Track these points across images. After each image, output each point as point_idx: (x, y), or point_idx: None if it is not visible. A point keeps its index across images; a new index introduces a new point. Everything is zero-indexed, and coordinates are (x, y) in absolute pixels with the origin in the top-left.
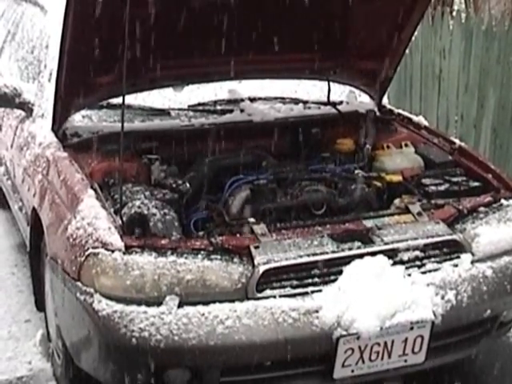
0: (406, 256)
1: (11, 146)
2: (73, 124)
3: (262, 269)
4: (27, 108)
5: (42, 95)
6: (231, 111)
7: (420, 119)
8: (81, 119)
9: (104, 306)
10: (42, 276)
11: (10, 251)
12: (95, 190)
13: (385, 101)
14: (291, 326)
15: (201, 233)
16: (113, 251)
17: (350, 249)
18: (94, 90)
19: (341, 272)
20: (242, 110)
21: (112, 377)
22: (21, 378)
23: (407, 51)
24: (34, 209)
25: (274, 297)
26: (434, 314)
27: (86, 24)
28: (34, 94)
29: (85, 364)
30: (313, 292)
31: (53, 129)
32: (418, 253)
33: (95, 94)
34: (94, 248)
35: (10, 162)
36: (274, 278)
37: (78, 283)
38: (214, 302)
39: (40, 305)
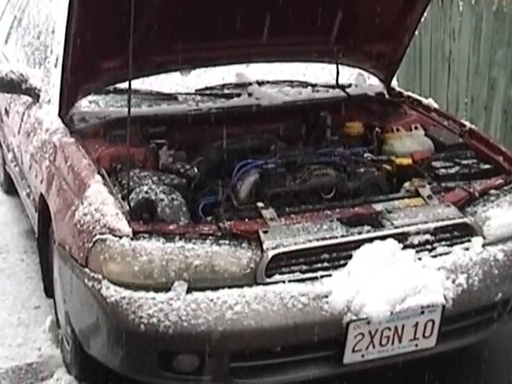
0: (416, 240)
1: (18, 132)
2: (79, 109)
3: (270, 253)
4: (34, 94)
5: (49, 81)
6: (239, 95)
7: (430, 101)
8: (88, 104)
9: (112, 292)
10: (51, 262)
11: (19, 238)
12: (102, 176)
13: (394, 83)
14: (301, 311)
15: (209, 218)
16: (120, 237)
17: (360, 233)
18: (100, 75)
19: (350, 256)
20: (249, 94)
21: (121, 363)
22: (30, 364)
23: (416, 33)
24: (41, 195)
25: (284, 282)
26: (445, 298)
27: (91, 8)
28: (40, 79)
29: (94, 350)
30: (322, 277)
31: (59, 114)
32: (428, 236)
33: (102, 79)
34: (101, 234)
35: (17, 148)
36: (283, 263)
37: (86, 269)
38: (222, 287)
39: (49, 291)
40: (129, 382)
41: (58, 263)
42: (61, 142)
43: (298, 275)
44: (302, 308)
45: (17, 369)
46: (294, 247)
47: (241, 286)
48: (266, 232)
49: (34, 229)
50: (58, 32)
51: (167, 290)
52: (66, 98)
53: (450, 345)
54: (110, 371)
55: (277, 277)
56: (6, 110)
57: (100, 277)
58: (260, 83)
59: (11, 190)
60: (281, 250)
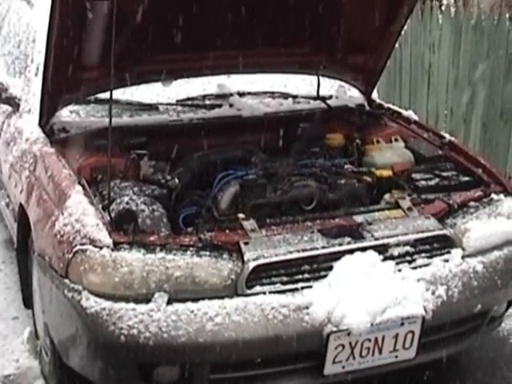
0: (396, 251)
1: None
2: (60, 119)
3: (251, 265)
4: (14, 103)
5: (29, 90)
6: (220, 106)
7: (410, 114)
8: (68, 114)
9: (92, 303)
10: (30, 273)
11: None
12: (83, 186)
13: (374, 95)
14: (281, 322)
15: (190, 229)
16: (101, 248)
17: (340, 244)
18: (81, 84)
19: (331, 268)
20: (231, 105)
21: (100, 375)
22: (8, 376)
23: (396, 45)
24: (21, 205)
25: (264, 293)
26: (425, 310)
27: (72, 18)
28: (20, 88)
29: (73, 362)
30: (303, 288)
31: (40, 124)
32: (408, 248)
33: (83, 89)
34: (81, 245)
35: None
36: (263, 274)
37: (66, 280)
38: (203, 298)
39: (28, 302)
40: None
41: (37, 274)
42: (41, 151)
43: (279, 286)
44: (282, 319)
45: None
46: (274, 258)
47: (221, 298)
48: (246, 243)
49: (12, 239)
50: (39, 41)
51: (148, 301)
52: (47, 108)
53: (430, 356)
54: (89, 383)
55: (257, 288)
56: None
57: (80, 288)
58: (241, 94)
59: None
60: (261, 261)
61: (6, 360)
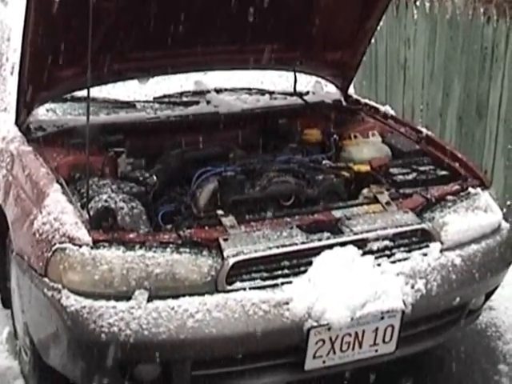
0: (375, 246)
1: None
2: (37, 118)
3: (231, 261)
4: None
5: (5, 89)
6: (197, 103)
7: (386, 108)
8: (45, 113)
9: (72, 301)
10: (8, 273)
11: None
12: (61, 185)
13: (351, 91)
14: (262, 318)
15: (169, 226)
16: (80, 246)
17: (320, 239)
18: (57, 82)
19: (310, 263)
20: (208, 102)
21: (81, 373)
22: None
23: (372, 41)
24: None
25: (244, 289)
26: (404, 304)
27: (48, 15)
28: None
29: (53, 361)
30: (283, 284)
31: (16, 123)
32: (387, 242)
33: (59, 87)
34: (60, 243)
35: None
36: (243, 271)
37: (45, 279)
38: (183, 295)
39: (6, 302)
40: None
41: (16, 273)
42: (18, 150)
43: (259, 282)
44: (262, 315)
45: None
46: (254, 254)
47: (202, 294)
48: (226, 240)
49: None
50: (14, 39)
51: (128, 298)
52: (23, 106)
53: (410, 349)
54: (71, 382)
55: (237, 284)
56: None
57: (60, 286)
58: (218, 91)
59: None
60: (241, 257)
61: None
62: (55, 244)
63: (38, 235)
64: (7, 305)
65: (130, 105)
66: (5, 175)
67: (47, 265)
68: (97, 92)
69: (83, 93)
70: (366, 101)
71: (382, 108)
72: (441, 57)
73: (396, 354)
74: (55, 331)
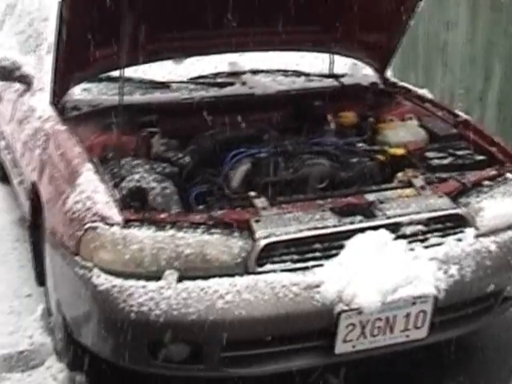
0: (408, 230)
1: (11, 120)
2: (72, 97)
3: (262, 243)
4: (26, 81)
5: (42, 68)
6: (232, 84)
7: (424, 92)
8: (80, 92)
9: (103, 280)
10: (42, 251)
11: (12, 226)
12: (94, 164)
13: (389, 73)
14: (292, 300)
15: (201, 207)
16: (111, 225)
17: (352, 223)
18: (93, 62)
19: (342, 246)
20: (243, 83)
21: (111, 352)
22: (21, 352)
23: (412, 23)
24: (33, 183)
25: (275, 271)
26: (437, 289)
27: None
28: (33, 67)
29: (84, 339)
30: (314, 267)
31: (52, 102)
32: (420, 227)
33: (95, 67)
34: (92, 222)
35: (10, 136)
36: (274, 253)
37: (77, 258)
38: (213, 276)
39: (40, 280)
40: (120, 370)
41: (49, 251)
42: (53, 129)
43: (290, 265)
44: (293, 298)
45: (8, 357)
46: (285, 237)
47: (232, 276)
48: (257, 221)
49: (25, 217)
50: (52, 19)
51: (158, 278)
52: (59, 86)
53: (441, 336)
54: (102, 360)
55: (268, 266)
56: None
57: (91, 265)
58: (254, 72)
59: (4, 178)
60: (273, 239)
61: (20, 336)
62: (87, 223)
63: (70, 214)
64: (41, 283)
65: (164, 85)
66: (40, 154)
67: (79, 243)
68: (132, 72)
69: (118, 73)
70: (404, 84)
71: (420, 91)
72: (482, 40)
73: (427, 341)
74: (86, 309)
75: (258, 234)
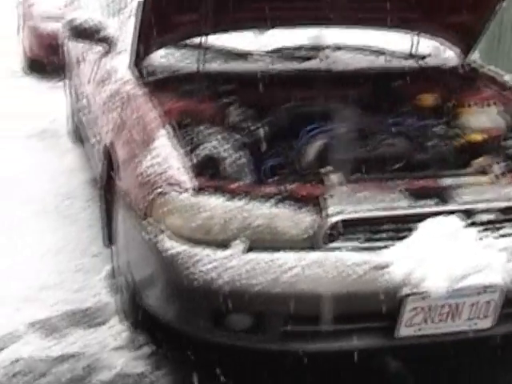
0: (481, 218)
1: (90, 81)
2: (152, 62)
3: (333, 219)
4: (107, 43)
5: (123, 31)
6: (311, 59)
7: (507, 79)
8: (160, 58)
9: (171, 245)
10: (112, 212)
11: (84, 186)
12: (170, 130)
13: (473, 57)
14: (358, 279)
15: (273, 179)
16: (182, 192)
17: (425, 206)
18: (174, 28)
19: (413, 229)
20: (322, 59)
21: (175, 317)
22: (86, 309)
23: (502, 6)
24: (108, 144)
25: (343, 249)
26: (507, 280)
27: None
28: (115, 29)
29: (149, 302)
30: (383, 247)
31: (131, 66)
32: (494, 216)
33: (176, 33)
34: (164, 187)
35: (88, 97)
36: (344, 230)
37: (147, 221)
38: (281, 249)
39: (108, 241)
40: (180, 335)
41: (121, 213)
42: (131, 93)
43: (359, 244)
44: (359, 277)
45: (72, 313)
46: (357, 215)
47: (300, 250)
48: (329, 197)
49: (98, 178)
50: None
51: (225, 247)
52: (139, 50)
53: (507, 327)
54: (165, 324)
55: (337, 243)
56: (78, 59)
57: (160, 230)
58: (334, 48)
59: (78, 139)
60: (344, 216)
61: (85, 294)
62: (158, 188)
63: (142, 177)
64: (109, 244)
65: (244, 55)
66: (116, 116)
67: (149, 208)
68: (213, 40)
69: (199, 40)
70: (486, 69)
71: (503, 78)
72: None
73: (493, 331)
74: (153, 273)
75: (329, 211)
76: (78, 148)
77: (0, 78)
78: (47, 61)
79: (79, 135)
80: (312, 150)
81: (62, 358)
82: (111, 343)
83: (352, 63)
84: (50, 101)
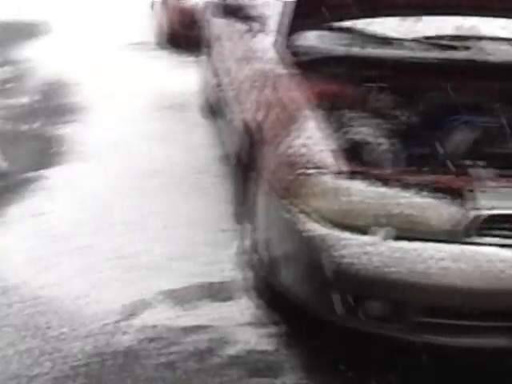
0: None
1: (229, 59)
2: (299, 42)
3: (485, 214)
4: (252, 21)
5: (269, 10)
6: (456, 48)
7: None
8: (308, 39)
9: (312, 227)
10: (247, 190)
11: (213, 161)
12: (316, 111)
13: None
14: (502, 276)
15: (417, 168)
16: (325, 174)
17: None
18: (326, 10)
19: None
20: (467, 48)
21: (310, 298)
22: (213, 283)
23: None
24: (249, 122)
25: (493, 245)
26: None
27: None
28: (262, 8)
29: (284, 282)
30: None
31: (282, 45)
32: None
33: (327, 15)
34: (306, 169)
35: (225, 74)
36: (495, 226)
37: (288, 201)
38: (428, 240)
39: (238, 218)
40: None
41: (260, 191)
42: (275, 72)
43: (505, 240)
44: (504, 274)
45: (200, 286)
46: (509, 211)
47: (448, 242)
48: (481, 191)
49: (229, 154)
50: None
51: (366, 233)
52: (288, 30)
53: None
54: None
55: (487, 239)
56: (220, 35)
57: (301, 211)
58: (478, 38)
59: (210, 114)
60: (497, 211)
61: (212, 269)
62: (300, 169)
63: (285, 157)
64: (239, 221)
65: (391, 42)
66: (258, 95)
67: (292, 188)
68: (365, 25)
69: (350, 23)
70: None
71: None
72: None
73: None
74: (292, 253)
75: (482, 205)
76: (208, 123)
77: (135, 54)
78: (186, 36)
79: (211, 111)
80: (457, 141)
81: (191, 329)
82: (238, 319)
83: (498, 54)
84: (182, 75)
